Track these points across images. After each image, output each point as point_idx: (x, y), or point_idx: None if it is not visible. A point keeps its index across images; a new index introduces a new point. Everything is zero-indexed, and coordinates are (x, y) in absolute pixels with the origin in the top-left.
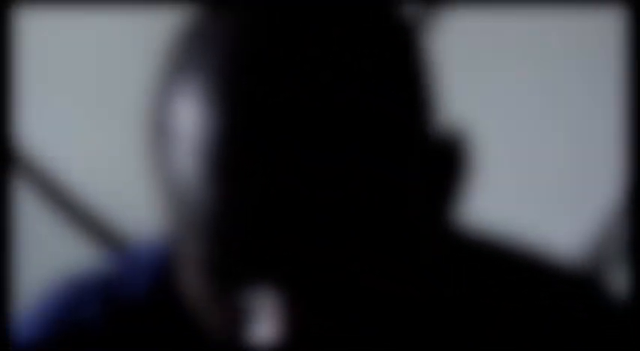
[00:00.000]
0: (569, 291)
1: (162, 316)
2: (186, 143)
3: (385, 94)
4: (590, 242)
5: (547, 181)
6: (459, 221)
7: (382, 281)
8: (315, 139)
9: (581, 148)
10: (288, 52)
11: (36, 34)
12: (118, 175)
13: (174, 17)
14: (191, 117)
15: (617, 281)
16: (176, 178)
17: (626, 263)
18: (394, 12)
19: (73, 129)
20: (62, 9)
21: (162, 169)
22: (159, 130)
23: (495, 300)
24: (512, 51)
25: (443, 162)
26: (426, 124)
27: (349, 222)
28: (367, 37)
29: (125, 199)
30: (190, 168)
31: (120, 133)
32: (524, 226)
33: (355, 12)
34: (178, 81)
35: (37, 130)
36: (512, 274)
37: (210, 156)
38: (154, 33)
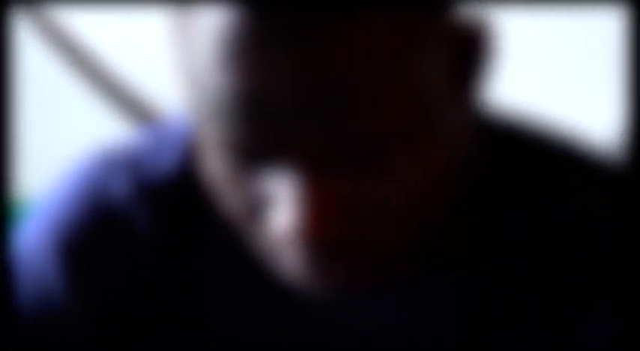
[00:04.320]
0: (595, 179)
1: (193, 199)
2: (205, 29)
3: None
4: None
5: None
6: (483, 105)
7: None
8: (330, 15)
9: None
10: None
11: None
12: (151, 52)
13: None
14: (211, 12)
15: None
16: (197, 62)
17: None
18: None
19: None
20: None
21: (184, 58)
22: (182, 23)
23: (516, 186)
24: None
25: (467, 44)
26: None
27: (369, 98)
28: None
29: (157, 75)
30: (210, 52)
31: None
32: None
33: None
34: None
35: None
36: (534, 160)
37: (228, 39)
38: None
